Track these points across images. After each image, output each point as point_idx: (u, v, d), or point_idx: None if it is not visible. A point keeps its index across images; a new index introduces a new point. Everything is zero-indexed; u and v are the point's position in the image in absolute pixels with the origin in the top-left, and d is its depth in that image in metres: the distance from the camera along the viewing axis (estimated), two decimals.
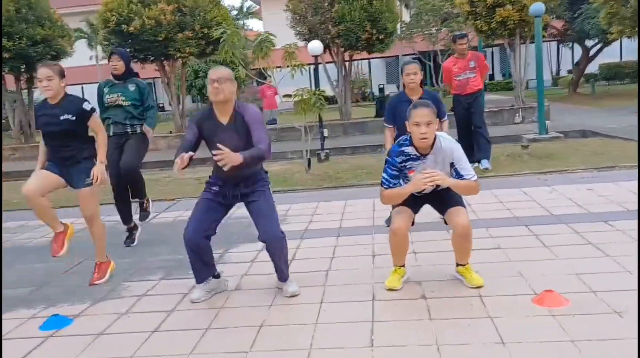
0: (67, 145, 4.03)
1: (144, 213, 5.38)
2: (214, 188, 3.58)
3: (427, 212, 5.21)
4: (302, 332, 3.06)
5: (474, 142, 7.78)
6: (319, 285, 3.78)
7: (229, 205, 3.67)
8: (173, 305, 3.65)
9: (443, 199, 3.51)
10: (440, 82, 21.80)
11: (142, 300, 3.82)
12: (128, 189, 5.26)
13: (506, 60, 21.58)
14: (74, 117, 3.98)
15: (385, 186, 3.45)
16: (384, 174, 3.45)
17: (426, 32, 25.63)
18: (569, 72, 31.49)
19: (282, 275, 3.66)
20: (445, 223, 3.58)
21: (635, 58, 30.62)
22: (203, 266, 3.64)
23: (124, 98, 5.09)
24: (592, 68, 27.93)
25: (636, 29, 14.73)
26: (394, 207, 3.60)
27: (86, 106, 4.04)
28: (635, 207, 4.97)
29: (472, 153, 7.54)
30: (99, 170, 4.01)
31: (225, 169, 3.21)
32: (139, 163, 5.26)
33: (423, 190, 3.38)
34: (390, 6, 14.61)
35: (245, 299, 3.66)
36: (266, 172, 3.73)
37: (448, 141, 3.41)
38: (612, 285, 3.31)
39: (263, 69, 8.73)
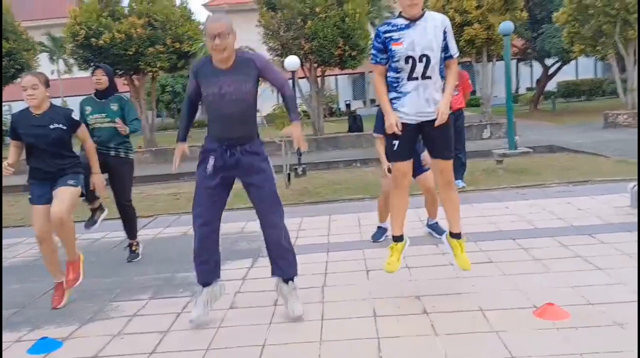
0: (56, 156, 3.94)
1: (134, 255, 5.24)
2: (210, 159, 3.35)
3: (415, 227, 5.32)
4: (308, 351, 3.01)
5: None
6: (317, 302, 3.73)
7: (228, 181, 3.44)
8: (167, 325, 3.53)
9: (435, 138, 3.49)
10: None
11: (134, 321, 3.68)
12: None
13: (472, 77, 22.09)
14: (65, 127, 3.93)
15: (373, 61, 3.53)
16: (373, 49, 3.53)
17: None
18: (528, 89, 32.55)
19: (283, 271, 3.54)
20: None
21: (591, 76, 32.02)
22: (212, 266, 3.48)
23: (108, 119, 4.96)
24: (550, 86, 28.96)
25: (596, 48, 15.34)
26: (388, 158, 3.63)
27: (74, 115, 4.05)
28: (616, 220, 5.13)
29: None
30: (98, 180, 4.08)
31: (302, 149, 3.29)
32: (130, 195, 5.20)
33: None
34: (361, 24, 14.81)
35: (242, 318, 3.58)
36: (262, 143, 3.49)
37: (436, 13, 3.48)
38: (609, 297, 3.37)
39: None
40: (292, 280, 3.54)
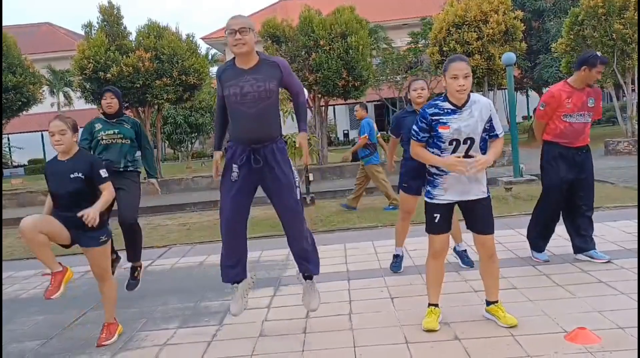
0: (77, 207, 3.63)
1: (134, 281, 5.06)
2: (236, 162, 3.40)
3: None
4: None
5: (571, 225, 4.97)
6: (347, 329, 3.76)
7: (254, 181, 3.48)
8: (200, 354, 3.56)
9: (476, 217, 3.59)
10: None
11: (166, 350, 3.71)
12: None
13: None
14: (83, 176, 3.68)
15: (414, 138, 3.56)
16: (415, 127, 3.55)
17: (391, 80, 26.49)
18: (523, 118, 32.97)
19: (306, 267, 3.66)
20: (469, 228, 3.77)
21: None
22: (239, 269, 3.54)
23: (122, 136, 4.89)
24: None
25: None
26: (428, 230, 3.65)
27: (103, 173, 3.77)
28: (631, 246, 5.20)
29: (546, 241, 5.07)
30: (93, 212, 3.55)
31: (306, 163, 3.24)
32: (137, 213, 4.97)
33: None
34: (364, 55, 15.11)
35: (274, 346, 3.60)
36: (285, 142, 3.58)
37: (480, 95, 3.53)
38: (636, 321, 3.42)
39: None
40: (312, 278, 3.64)
